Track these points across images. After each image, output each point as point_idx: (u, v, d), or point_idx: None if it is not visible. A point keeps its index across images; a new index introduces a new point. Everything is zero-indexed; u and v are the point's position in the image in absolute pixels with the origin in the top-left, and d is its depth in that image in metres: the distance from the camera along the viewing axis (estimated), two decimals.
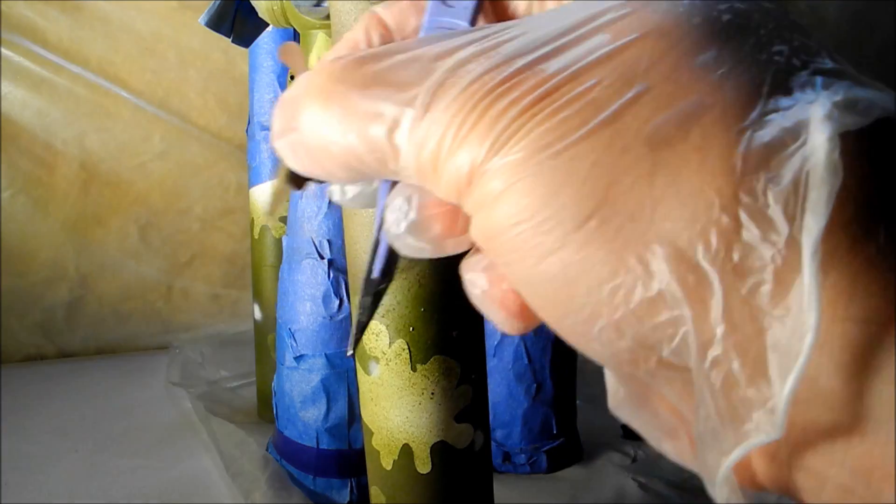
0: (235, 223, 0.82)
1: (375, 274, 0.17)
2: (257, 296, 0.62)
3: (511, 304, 0.14)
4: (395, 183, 0.15)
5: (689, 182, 0.11)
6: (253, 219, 0.61)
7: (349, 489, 0.48)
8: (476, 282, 0.15)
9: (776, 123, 0.11)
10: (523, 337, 0.53)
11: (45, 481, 0.52)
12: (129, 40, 0.75)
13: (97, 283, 0.78)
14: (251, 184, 0.61)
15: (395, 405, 0.30)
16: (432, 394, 0.30)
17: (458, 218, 0.14)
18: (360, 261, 0.30)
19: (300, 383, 0.47)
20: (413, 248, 0.14)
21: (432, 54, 0.13)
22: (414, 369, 0.30)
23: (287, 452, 0.49)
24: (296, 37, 0.58)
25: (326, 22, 0.45)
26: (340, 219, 0.46)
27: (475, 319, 0.31)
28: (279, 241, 0.59)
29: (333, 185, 0.17)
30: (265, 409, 0.62)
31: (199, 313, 0.83)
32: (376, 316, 0.30)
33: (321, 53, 0.46)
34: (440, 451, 0.30)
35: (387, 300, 0.29)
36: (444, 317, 0.30)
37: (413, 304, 0.29)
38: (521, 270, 0.12)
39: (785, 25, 0.13)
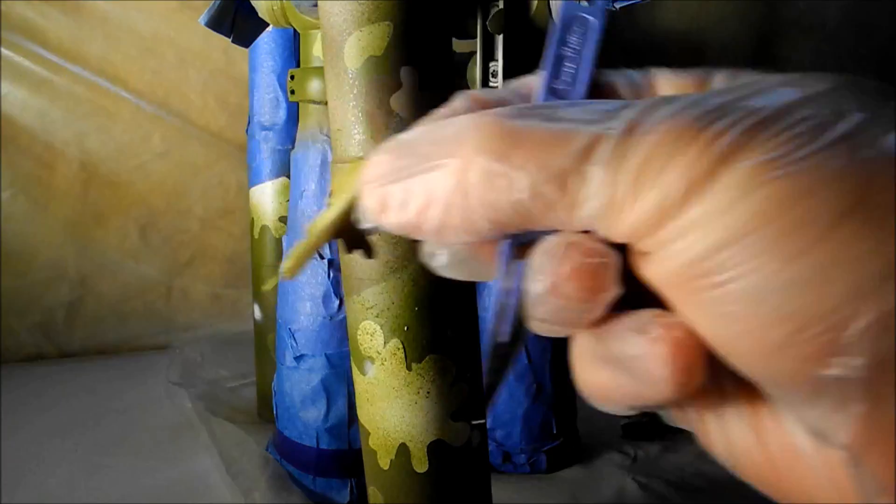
0: (235, 223, 0.82)
1: (504, 338, 0.16)
2: (257, 296, 0.62)
3: (685, 354, 0.13)
4: (521, 247, 0.14)
5: None
6: (253, 219, 0.61)
7: (349, 489, 0.48)
8: (650, 330, 0.13)
9: None
10: None
11: (45, 481, 0.52)
12: (129, 40, 0.75)
13: (97, 283, 0.78)
14: (251, 184, 0.61)
15: (392, 405, 0.30)
16: (428, 392, 0.30)
17: (606, 276, 0.13)
18: (353, 261, 0.30)
19: (300, 383, 0.47)
20: (556, 307, 0.13)
21: (607, 107, 0.13)
22: (409, 368, 0.30)
23: (287, 452, 0.49)
24: (296, 37, 0.58)
25: None
26: None
27: (470, 319, 0.31)
28: (279, 241, 0.59)
29: (435, 248, 0.16)
30: (265, 409, 0.62)
31: (199, 313, 0.83)
32: (370, 316, 0.30)
33: (321, 53, 0.46)
34: (437, 449, 0.30)
35: (381, 300, 0.29)
36: (439, 316, 0.30)
37: (407, 304, 0.29)
38: (751, 283, 0.11)
39: None
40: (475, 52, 0.50)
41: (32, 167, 0.74)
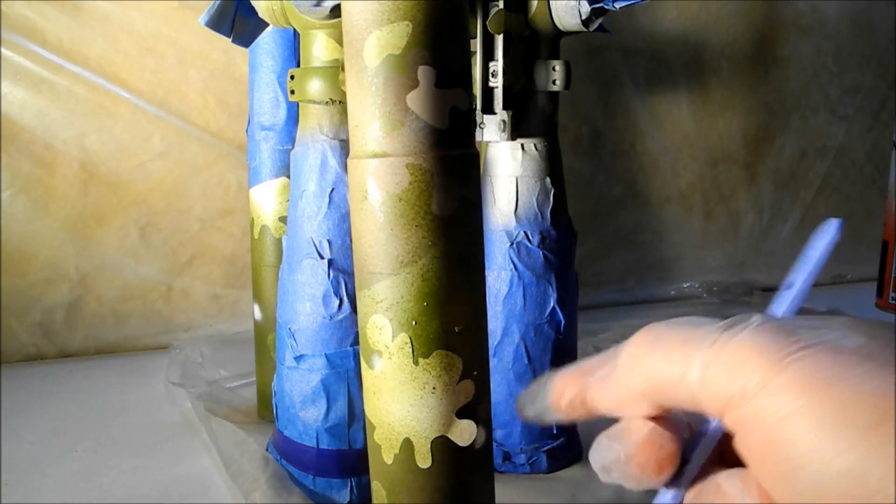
0: (235, 223, 0.82)
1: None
2: (257, 296, 0.62)
3: None
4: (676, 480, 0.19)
5: None
6: (253, 219, 0.61)
7: (349, 489, 0.48)
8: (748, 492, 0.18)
9: None
10: (523, 336, 0.53)
11: (45, 481, 0.52)
12: (129, 40, 0.75)
13: (97, 283, 0.79)
14: (251, 184, 0.61)
15: (397, 399, 0.30)
16: (434, 388, 0.30)
17: (666, 459, 0.19)
18: (361, 256, 0.30)
19: (300, 383, 0.47)
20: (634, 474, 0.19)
21: (722, 323, 0.19)
22: (416, 363, 0.30)
23: (287, 452, 0.49)
24: (296, 37, 0.58)
25: (326, 22, 0.45)
26: (340, 219, 0.46)
27: (479, 316, 0.31)
28: (279, 241, 0.59)
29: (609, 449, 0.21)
30: (265, 409, 0.62)
31: (199, 313, 0.83)
32: (380, 310, 0.30)
33: (321, 53, 0.46)
34: (441, 446, 0.30)
35: (390, 294, 0.29)
36: (448, 311, 0.30)
37: (416, 299, 0.29)
38: (811, 471, 0.16)
39: None
40: (475, 52, 0.50)
41: (32, 167, 0.74)
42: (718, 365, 0.17)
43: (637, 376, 0.19)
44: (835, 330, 0.17)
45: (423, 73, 0.28)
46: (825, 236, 0.22)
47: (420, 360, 0.30)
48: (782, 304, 0.21)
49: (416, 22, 0.28)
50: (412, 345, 0.30)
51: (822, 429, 0.15)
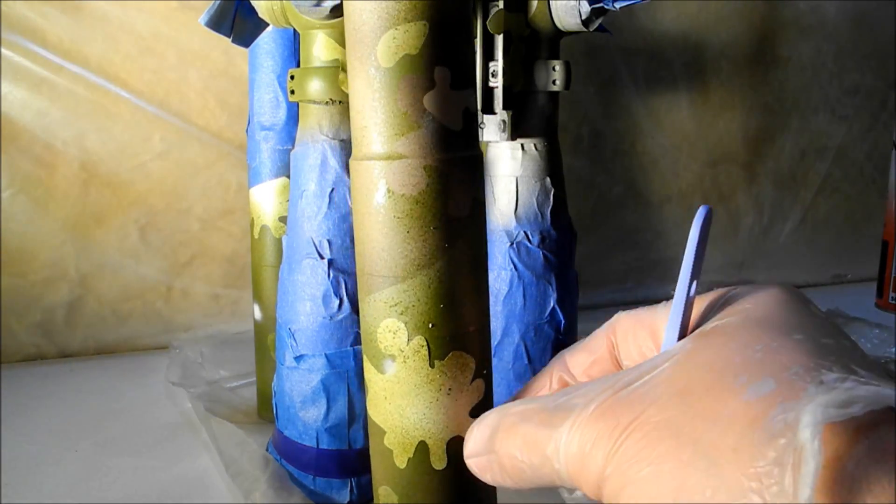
0: (235, 223, 0.83)
1: None
2: (257, 296, 0.62)
3: None
4: None
5: (731, 473, 0.17)
6: (253, 219, 0.61)
7: (349, 489, 0.48)
8: None
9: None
10: (523, 337, 0.53)
11: (45, 481, 0.52)
12: (129, 40, 0.75)
13: (97, 283, 0.79)
14: (251, 184, 0.61)
15: (412, 403, 0.30)
16: (449, 390, 0.30)
17: None
18: (371, 260, 0.30)
19: (300, 383, 0.47)
20: None
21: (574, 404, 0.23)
22: (432, 366, 0.29)
23: (287, 452, 0.49)
24: (296, 37, 0.58)
25: (326, 22, 0.45)
26: (340, 219, 0.46)
27: (486, 314, 0.31)
28: (279, 241, 0.59)
29: None
30: (265, 409, 0.62)
31: (199, 313, 0.83)
32: (394, 314, 0.29)
33: (321, 53, 0.46)
34: (456, 446, 0.30)
35: (405, 297, 0.29)
36: (462, 312, 0.30)
37: (433, 301, 0.29)
38: None
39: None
40: (475, 52, 0.50)
41: (32, 167, 0.74)
42: (571, 461, 0.21)
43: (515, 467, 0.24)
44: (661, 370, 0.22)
45: (438, 73, 0.28)
46: (696, 223, 0.23)
47: (436, 362, 0.29)
48: (677, 297, 0.24)
49: (432, 22, 0.28)
50: (428, 347, 0.29)
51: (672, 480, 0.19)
